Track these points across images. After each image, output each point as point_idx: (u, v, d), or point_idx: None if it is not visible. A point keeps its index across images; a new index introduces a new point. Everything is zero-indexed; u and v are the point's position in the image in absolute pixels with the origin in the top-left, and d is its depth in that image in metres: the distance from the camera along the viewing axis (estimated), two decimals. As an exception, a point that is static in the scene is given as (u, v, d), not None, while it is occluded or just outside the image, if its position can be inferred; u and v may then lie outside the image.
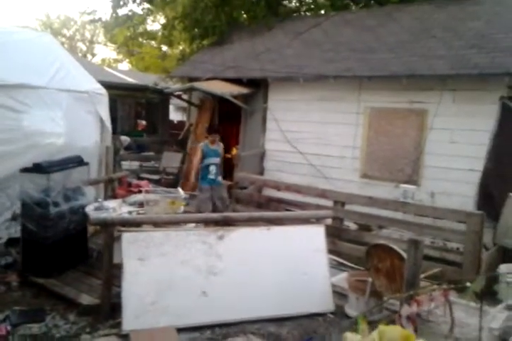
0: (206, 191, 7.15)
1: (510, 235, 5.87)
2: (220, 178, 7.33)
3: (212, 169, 7.18)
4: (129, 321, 3.99)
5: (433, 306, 4.30)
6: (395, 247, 4.32)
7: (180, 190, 5.93)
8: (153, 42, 20.52)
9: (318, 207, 6.84)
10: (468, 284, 3.09)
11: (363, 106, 8.33)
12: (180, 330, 4.05)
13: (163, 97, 14.44)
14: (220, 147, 7.40)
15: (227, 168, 9.06)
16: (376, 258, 4.60)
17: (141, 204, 5.49)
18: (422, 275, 4.32)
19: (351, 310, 4.58)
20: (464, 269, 5.36)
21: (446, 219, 5.99)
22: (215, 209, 7.07)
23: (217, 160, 7.27)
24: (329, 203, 7.07)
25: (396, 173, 7.87)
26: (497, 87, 6.97)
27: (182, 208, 5.50)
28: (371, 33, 9.47)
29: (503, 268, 5.36)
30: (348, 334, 1.90)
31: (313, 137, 8.93)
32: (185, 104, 11.98)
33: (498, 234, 5.96)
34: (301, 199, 7.38)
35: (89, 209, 5.29)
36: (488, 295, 4.55)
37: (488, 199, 6.47)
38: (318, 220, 5.59)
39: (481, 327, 3.09)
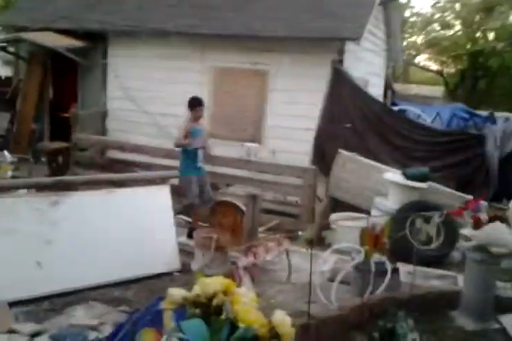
0: (195, 183, 5.57)
1: (340, 188, 6.48)
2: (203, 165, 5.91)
3: (200, 154, 5.68)
4: None
5: (271, 256, 4.61)
6: (237, 203, 4.46)
7: (6, 153, 5.32)
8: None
9: (166, 167, 6.73)
10: (300, 233, 3.31)
11: (208, 66, 8.27)
12: (13, 304, 3.72)
13: (-14, 50, 12.59)
14: (203, 126, 6.04)
15: (65, 128, 8.38)
16: (220, 215, 4.73)
17: (-43, 171, 4.80)
18: (262, 228, 4.57)
19: (197, 267, 4.66)
20: (300, 220, 5.81)
21: (285, 175, 6.37)
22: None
23: (203, 142, 5.78)
24: (177, 163, 7.01)
25: (241, 133, 8.07)
26: (329, 50, 7.45)
27: (9, 173, 4.95)
28: (214, -10, 9.30)
29: (334, 216, 5.95)
30: (172, 290, 1.89)
31: (158, 96, 8.64)
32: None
33: (330, 187, 6.55)
34: (147, 160, 7.20)
35: None
36: (320, 241, 4.98)
37: (321, 155, 7.02)
38: (163, 180, 5.51)
39: (312, 271, 3.38)
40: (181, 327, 1.67)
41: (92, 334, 3.35)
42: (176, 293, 1.87)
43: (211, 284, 1.80)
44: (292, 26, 7.66)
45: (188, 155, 5.62)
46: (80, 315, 3.68)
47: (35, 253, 4.04)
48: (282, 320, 1.76)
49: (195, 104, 5.76)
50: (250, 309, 1.76)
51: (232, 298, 1.78)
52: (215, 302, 1.76)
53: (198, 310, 1.80)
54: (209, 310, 1.77)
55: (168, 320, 1.89)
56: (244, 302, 1.78)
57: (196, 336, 1.63)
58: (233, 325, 1.71)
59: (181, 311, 1.89)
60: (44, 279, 4.00)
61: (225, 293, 1.80)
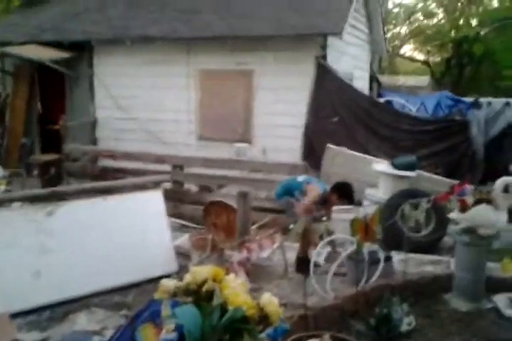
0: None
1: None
2: None
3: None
4: (-50, 316, 3.56)
5: (267, 253, 4.67)
6: (228, 202, 4.53)
7: (-2, 167, 5.36)
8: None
9: (158, 172, 6.79)
10: (291, 226, 3.38)
11: (193, 69, 8.35)
12: (14, 315, 3.76)
13: (-28, 66, 12.59)
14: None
15: (55, 140, 8.42)
16: (214, 215, 4.79)
17: (-50, 188, 4.85)
18: (255, 225, 4.64)
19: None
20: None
21: (276, 173, 6.44)
22: None
23: None
24: (168, 168, 7.09)
25: (230, 133, 8.15)
26: (312, 47, 7.55)
27: (2, 187, 5.00)
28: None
29: (326, 210, 6.02)
30: (164, 280, 1.98)
31: (146, 102, 8.73)
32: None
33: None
34: (139, 167, 7.26)
35: None
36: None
37: (311, 151, 7.11)
38: (155, 185, 5.58)
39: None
40: (175, 314, 1.75)
41: (95, 339, 3.41)
42: (168, 283, 1.95)
43: (201, 272, 1.89)
44: (274, 24, 7.74)
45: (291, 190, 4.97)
46: (82, 322, 3.72)
47: (34, 263, 4.08)
48: (269, 300, 1.84)
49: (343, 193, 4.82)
50: (239, 293, 1.83)
51: (221, 284, 1.86)
52: (205, 288, 1.84)
53: (189, 298, 1.88)
54: (200, 297, 1.85)
55: (165, 309, 1.97)
56: (233, 287, 1.86)
57: (189, 321, 1.70)
58: (224, 309, 1.79)
59: (175, 301, 1.97)
60: (44, 289, 4.03)
61: (215, 279, 1.88)
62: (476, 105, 9.00)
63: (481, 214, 3.62)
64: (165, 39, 8.21)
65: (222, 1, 8.84)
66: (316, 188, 4.69)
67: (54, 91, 9.59)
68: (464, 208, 3.75)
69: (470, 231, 3.63)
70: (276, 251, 4.81)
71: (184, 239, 5.40)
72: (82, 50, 9.09)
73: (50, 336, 3.48)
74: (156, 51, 8.46)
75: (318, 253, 4.66)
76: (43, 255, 4.16)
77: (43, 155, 8.79)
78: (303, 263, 4.34)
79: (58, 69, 8.82)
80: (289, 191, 4.86)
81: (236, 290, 1.84)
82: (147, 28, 8.60)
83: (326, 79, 7.37)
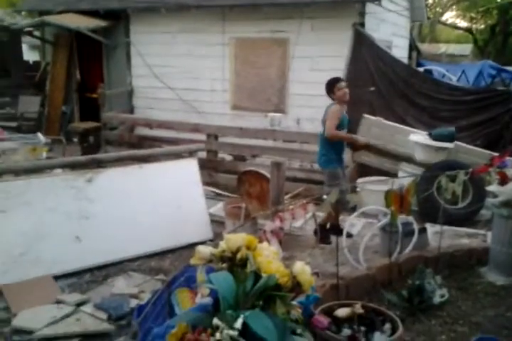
0: (342, 177, 4.73)
1: (366, 153, 6.47)
2: None
3: (344, 145, 4.92)
4: (-4, 276, 3.78)
5: (300, 222, 4.71)
6: (262, 171, 4.55)
7: (39, 135, 5.53)
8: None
9: (193, 141, 6.86)
10: (324, 196, 3.38)
11: (228, 38, 8.24)
12: (57, 278, 3.97)
13: (14, 36, 12.83)
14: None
15: (94, 108, 8.59)
16: (247, 184, 4.83)
17: (-4, 154, 5.05)
18: (288, 195, 4.65)
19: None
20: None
21: (310, 143, 6.39)
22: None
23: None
24: (203, 137, 7.14)
25: (264, 103, 8.08)
26: (350, 13, 7.28)
27: (44, 154, 5.16)
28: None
29: (359, 180, 5.99)
30: (200, 247, 2.03)
31: (181, 71, 8.71)
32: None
33: (356, 153, 6.54)
34: (174, 136, 7.34)
35: None
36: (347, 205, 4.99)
37: (347, 121, 6.97)
38: (191, 154, 5.64)
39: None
40: (210, 279, 1.81)
41: (133, 302, 3.56)
42: (204, 249, 2.00)
43: (235, 240, 1.93)
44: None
45: (334, 146, 4.71)
46: (120, 285, 3.87)
47: (75, 229, 4.25)
48: (302, 269, 1.87)
49: (331, 83, 4.91)
50: (272, 260, 1.87)
51: (254, 252, 1.90)
52: (239, 255, 1.89)
53: (224, 265, 1.93)
54: (234, 264, 1.90)
55: (200, 274, 2.04)
56: (266, 255, 1.90)
57: (224, 286, 1.76)
58: (257, 276, 1.83)
59: (210, 267, 2.03)
60: (85, 253, 4.20)
61: (248, 247, 1.92)
62: (521, 74, 8.62)
63: (522, 188, 3.52)
64: (201, 7, 8.10)
65: (259, -34, 8.60)
66: (331, 111, 4.81)
67: (92, 60, 9.70)
68: (503, 181, 3.65)
69: (509, 204, 3.55)
70: (308, 220, 4.87)
71: (218, 208, 5.51)
72: (118, 19, 9.10)
73: (90, 297, 3.65)
74: (191, 19, 8.37)
75: (352, 224, 4.68)
76: (83, 220, 4.32)
77: (82, 123, 8.98)
78: (326, 233, 4.43)
79: (95, 37, 8.88)
80: (326, 143, 4.74)
81: (269, 258, 1.87)
82: (183, -5, 8.49)
83: (363, 48, 7.14)
